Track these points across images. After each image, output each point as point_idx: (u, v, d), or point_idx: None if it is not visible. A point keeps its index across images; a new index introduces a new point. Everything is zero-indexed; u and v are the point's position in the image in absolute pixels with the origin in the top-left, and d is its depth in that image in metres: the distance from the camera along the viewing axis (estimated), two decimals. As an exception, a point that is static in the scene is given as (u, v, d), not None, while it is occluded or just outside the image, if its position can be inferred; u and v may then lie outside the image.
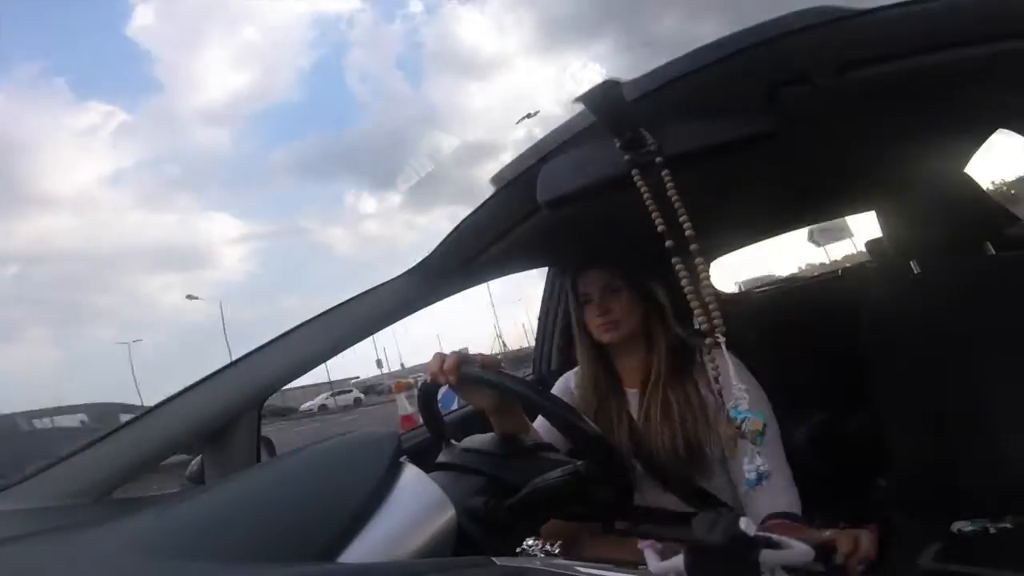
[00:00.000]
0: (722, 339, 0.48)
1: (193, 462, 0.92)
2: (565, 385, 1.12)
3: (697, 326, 0.52)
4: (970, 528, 0.88)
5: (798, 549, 0.36)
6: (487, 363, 0.73)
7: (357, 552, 0.40)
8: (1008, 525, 0.86)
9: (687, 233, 0.45)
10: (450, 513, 0.47)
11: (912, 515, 1.00)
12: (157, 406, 0.85)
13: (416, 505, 0.46)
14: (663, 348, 0.99)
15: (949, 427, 0.96)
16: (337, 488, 0.46)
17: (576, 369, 1.12)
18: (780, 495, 0.87)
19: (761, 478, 0.49)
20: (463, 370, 0.73)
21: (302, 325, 0.93)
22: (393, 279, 0.98)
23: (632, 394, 1.02)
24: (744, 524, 0.35)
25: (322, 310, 0.95)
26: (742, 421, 0.48)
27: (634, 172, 0.45)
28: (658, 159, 0.45)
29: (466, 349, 0.77)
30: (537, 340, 1.68)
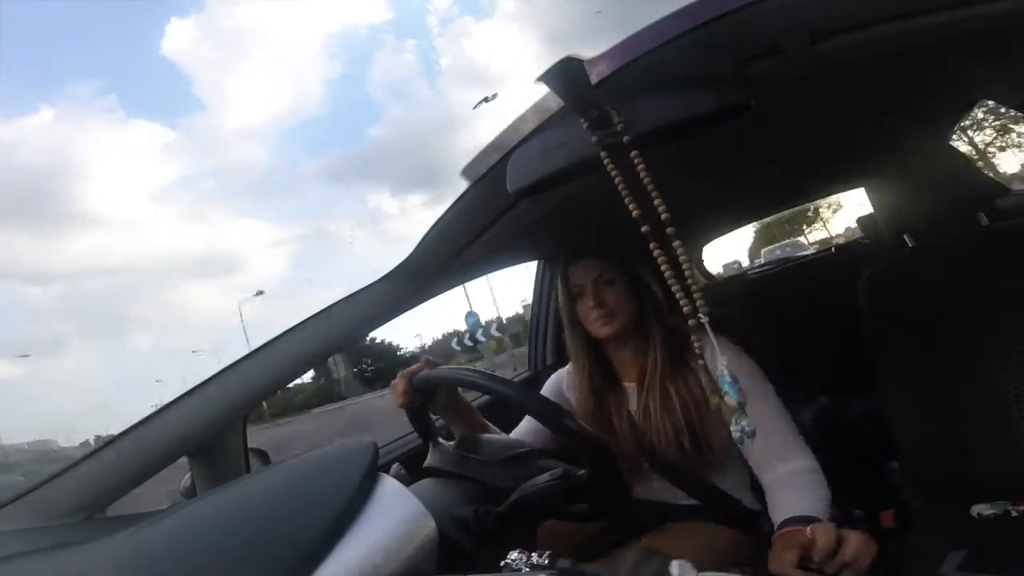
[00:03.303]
0: (705, 319, 0.46)
1: (186, 477, 0.90)
2: (557, 385, 1.07)
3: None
4: (991, 511, 0.85)
5: None
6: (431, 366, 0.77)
7: (328, 573, 0.38)
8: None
9: (663, 216, 0.43)
10: (430, 528, 0.45)
11: (928, 499, 0.98)
12: (141, 422, 0.84)
13: (393, 520, 0.43)
14: (659, 340, 0.95)
15: (957, 405, 0.93)
16: (308, 504, 0.44)
17: (567, 368, 1.06)
18: (802, 486, 0.81)
19: (746, 437, 0.48)
20: (416, 381, 0.76)
21: (283, 335, 0.91)
22: (374, 283, 0.96)
23: (631, 388, 0.98)
24: (676, 569, 0.32)
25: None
26: (724, 393, 0.47)
27: (603, 154, 0.43)
28: (626, 138, 0.42)
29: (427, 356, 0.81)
30: (531, 337, 1.64)
